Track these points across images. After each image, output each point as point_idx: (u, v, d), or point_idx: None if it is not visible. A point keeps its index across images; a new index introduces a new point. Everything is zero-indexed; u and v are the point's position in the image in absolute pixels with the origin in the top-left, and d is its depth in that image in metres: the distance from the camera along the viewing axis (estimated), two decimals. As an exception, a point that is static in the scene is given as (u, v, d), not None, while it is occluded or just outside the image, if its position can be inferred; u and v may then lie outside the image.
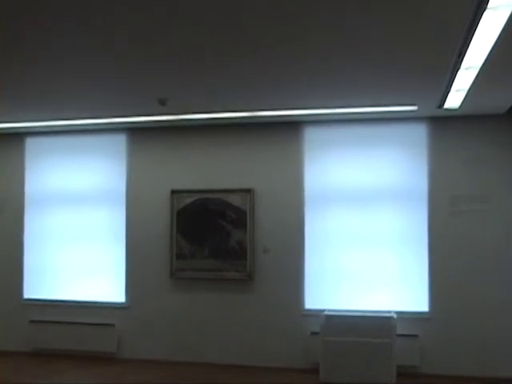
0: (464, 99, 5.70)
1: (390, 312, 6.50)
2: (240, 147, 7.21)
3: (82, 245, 7.57)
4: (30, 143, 7.82)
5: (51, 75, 5.05)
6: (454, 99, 5.71)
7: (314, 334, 6.72)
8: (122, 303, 7.44)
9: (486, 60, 4.43)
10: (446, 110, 6.17)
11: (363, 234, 6.82)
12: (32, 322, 7.59)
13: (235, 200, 7.11)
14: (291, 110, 6.35)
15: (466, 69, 4.66)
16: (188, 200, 7.24)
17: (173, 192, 7.28)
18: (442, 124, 6.69)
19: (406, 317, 6.59)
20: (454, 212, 6.65)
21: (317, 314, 6.65)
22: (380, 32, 3.95)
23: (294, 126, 7.03)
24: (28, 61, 4.63)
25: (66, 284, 7.60)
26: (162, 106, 6.01)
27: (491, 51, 4.20)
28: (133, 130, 7.48)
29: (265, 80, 5.20)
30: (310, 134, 7.03)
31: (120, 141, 7.55)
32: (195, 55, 4.47)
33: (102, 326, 7.38)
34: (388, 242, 6.75)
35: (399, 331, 6.40)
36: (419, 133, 6.76)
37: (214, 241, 7.14)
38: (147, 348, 7.33)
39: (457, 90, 5.37)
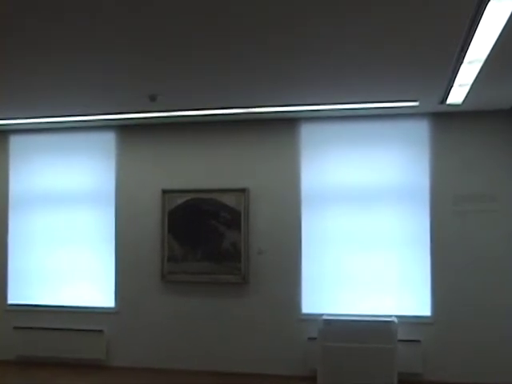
0: (467, 94, 5.71)
1: (390, 316, 6.51)
2: (234, 145, 7.21)
3: (69, 247, 7.56)
4: (15, 141, 7.80)
5: (37, 70, 5.03)
6: (457, 94, 5.71)
7: (311, 339, 6.73)
8: (111, 308, 7.43)
9: (490, 53, 4.44)
10: (449, 105, 6.18)
11: (363, 235, 6.83)
12: (16, 328, 7.57)
13: (229, 200, 7.11)
14: (288, 106, 6.35)
15: (469, 63, 4.67)
16: (180, 200, 7.24)
17: (164, 192, 7.28)
18: (445, 120, 6.71)
19: (407, 321, 6.61)
20: (458, 212, 6.66)
21: (315, 318, 6.66)
22: (380, 25, 3.96)
23: (290, 123, 7.03)
24: (13, 56, 4.62)
25: (52, 288, 7.59)
26: (153, 102, 6.01)
27: (495, 44, 4.21)
28: (122, 128, 7.48)
29: (260, 75, 5.20)
30: (308, 131, 7.03)
31: (109, 139, 7.54)
32: (187, 50, 4.47)
33: (90, 332, 7.37)
34: (389, 243, 6.77)
35: (400, 336, 6.41)
36: (421, 129, 6.77)
37: (207, 242, 7.14)
38: (138, 355, 7.32)
39: (460, 85, 5.37)
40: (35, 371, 7.20)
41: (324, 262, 6.93)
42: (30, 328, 7.51)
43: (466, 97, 5.81)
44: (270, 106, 6.36)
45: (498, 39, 4.11)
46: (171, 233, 7.24)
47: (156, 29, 4.02)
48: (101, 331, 7.36)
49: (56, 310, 7.51)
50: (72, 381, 6.85)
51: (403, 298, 6.73)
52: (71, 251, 7.55)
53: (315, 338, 6.56)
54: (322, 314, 6.65)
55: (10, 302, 7.72)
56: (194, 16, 3.78)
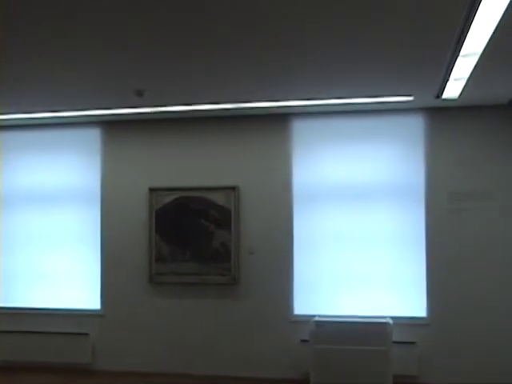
0: (463, 89, 5.70)
1: (385, 317, 6.50)
2: (224, 141, 7.18)
3: (53, 248, 7.50)
4: (-4, 138, 7.75)
5: (20, 64, 4.98)
6: (453, 89, 5.71)
7: (303, 341, 6.71)
8: (97, 310, 7.39)
9: (486, 46, 4.42)
10: (444, 100, 6.17)
11: (356, 234, 6.81)
12: (-1, 331, 7.53)
13: (219, 198, 7.08)
14: (279, 101, 6.32)
15: (465, 56, 4.65)
16: (168, 198, 7.20)
17: (151, 190, 7.24)
18: (440, 115, 6.69)
19: (402, 322, 6.59)
20: (454, 210, 6.65)
21: (307, 320, 6.64)
22: (373, 18, 3.93)
23: (281, 119, 7.00)
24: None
25: (35, 290, 7.53)
26: (139, 97, 5.97)
27: (492, 36, 4.19)
28: (108, 124, 7.42)
29: (250, 69, 5.17)
30: (299, 127, 7.01)
31: (94, 135, 7.49)
32: (175, 44, 4.44)
33: (75, 336, 7.32)
34: (383, 242, 6.75)
35: (395, 338, 6.39)
36: (416, 125, 6.76)
37: (195, 242, 7.10)
38: (124, 358, 7.28)
39: (455, 79, 5.36)
40: (18, 376, 7.14)
41: (316, 261, 6.90)
42: (13, 332, 7.44)
43: (462, 91, 5.80)
44: (260, 101, 6.33)
45: (494, 31, 4.08)
46: (159, 232, 7.20)
47: (143, 23, 3.99)
48: (86, 334, 7.31)
49: (40, 313, 7.45)
50: (56, 386, 6.83)
51: (398, 298, 6.71)
52: (55, 252, 7.49)
53: (307, 341, 6.54)
54: (315, 316, 6.63)
55: (-8, 304, 7.68)
56: (183, 11, 3.75)
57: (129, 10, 3.79)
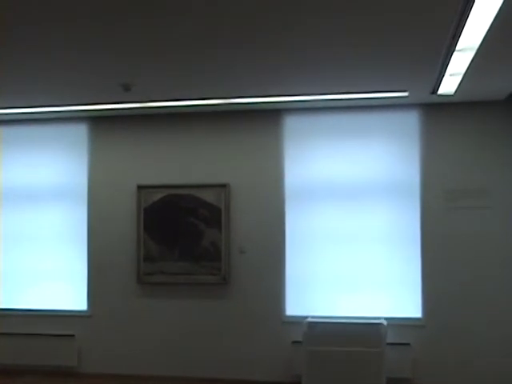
0: (460, 84, 5.70)
1: (379, 318, 6.50)
2: (214, 138, 7.16)
3: (38, 246, 7.47)
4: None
5: (2, 57, 4.95)
6: (449, 84, 5.70)
7: (295, 343, 6.71)
8: (84, 311, 7.36)
9: (483, 41, 4.41)
10: (440, 96, 6.17)
11: (350, 233, 6.80)
12: (-18, 333, 7.49)
13: (208, 196, 7.06)
14: (271, 96, 6.31)
15: (461, 50, 4.65)
16: (156, 196, 7.18)
17: (139, 187, 7.22)
18: (436, 111, 6.69)
19: (397, 324, 6.59)
20: (450, 208, 6.66)
21: (299, 321, 6.64)
22: (367, 12, 3.91)
23: (273, 115, 6.99)
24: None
25: (18, 290, 7.49)
26: (127, 92, 5.94)
27: (489, 30, 4.18)
28: (95, 119, 7.40)
29: (241, 64, 5.15)
30: (292, 123, 7.00)
31: (80, 131, 7.46)
32: (163, 35, 4.41)
33: (60, 338, 7.29)
34: (377, 241, 6.74)
35: (390, 339, 6.40)
36: (411, 121, 6.75)
37: (185, 241, 7.08)
38: (111, 361, 7.26)
39: (451, 75, 5.36)
40: (1, 380, 7.11)
41: (309, 261, 6.90)
42: (-4, 333, 7.44)
43: (459, 87, 5.80)
44: (251, 96, 6.32)
45: (491, 25, 4.07)
46: (147, 231, 7.17)
47: (132, 15, 3.96)
48: (72, 336, 7.28)
49: (24, 314, 7.42)
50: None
51: (392, 298, 6.71)
52: (40, 251, 7.46)
53: (300, 342, 6.54)
54: (307, 317, 6.62)
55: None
56: (175, 3, 3.72)
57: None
